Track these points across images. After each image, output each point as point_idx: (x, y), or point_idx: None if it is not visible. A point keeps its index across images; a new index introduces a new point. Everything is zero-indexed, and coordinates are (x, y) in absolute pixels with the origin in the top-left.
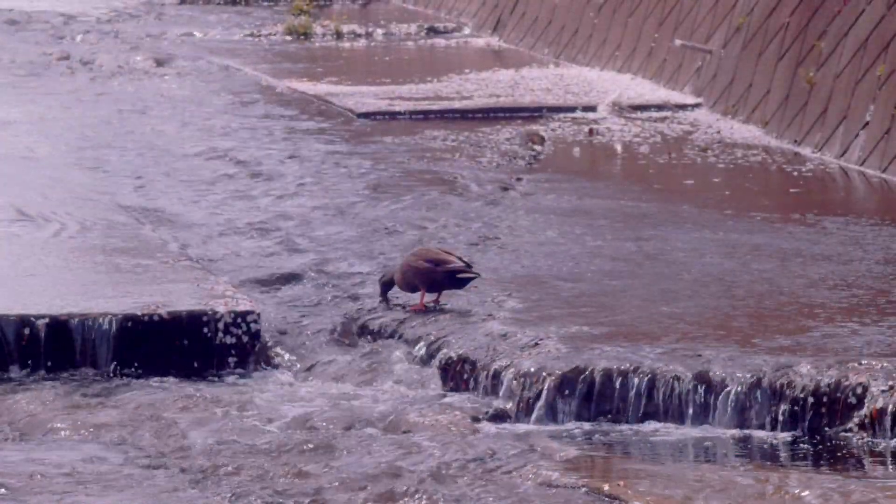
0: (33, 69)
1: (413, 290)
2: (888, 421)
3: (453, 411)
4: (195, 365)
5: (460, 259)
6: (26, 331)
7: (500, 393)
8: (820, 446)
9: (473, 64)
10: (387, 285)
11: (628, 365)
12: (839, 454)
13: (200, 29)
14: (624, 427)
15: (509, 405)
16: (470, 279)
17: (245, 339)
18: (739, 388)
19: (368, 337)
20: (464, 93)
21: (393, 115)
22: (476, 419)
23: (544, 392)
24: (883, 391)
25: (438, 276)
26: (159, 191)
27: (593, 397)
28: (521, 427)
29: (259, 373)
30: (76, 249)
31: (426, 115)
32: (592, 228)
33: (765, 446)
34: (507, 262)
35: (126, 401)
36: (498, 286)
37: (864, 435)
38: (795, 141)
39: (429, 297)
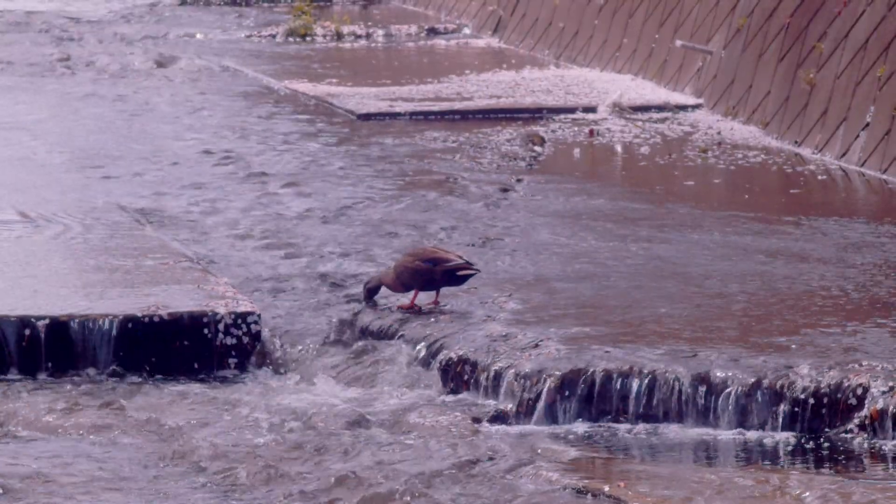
0: (34, 70)
1: (408, 290)
2: (888, 422)
3: (454, 412)
4: (195, 366)
5: (459, 257)
6: (27, 332)
7: (501, 394)
8: (820, 447)
9: (474, 65)
10: (372, 290)
11: (628, 366)
12: (839, 455)
13: (201, 30)
14: (624, 428)
15: (510, 406)
16: (469, 276)
17: (245, 339)
18: (739, 389)
19: (369, 337)
20: (464, 94)
21: (393, 116)
22: (476, 420)
23: (545, 393)
24: (883, 392)
25: (437, 276)
26: (160, 191)
27: (593, 398)
28: (522, 428)
29: (259, 373)
30: (77, 250)
31: (426, 116)
32: (592, 230)
33: (765, 447)
34: (508, 263)
35: (126, 402)
36: (498, 287)
37: (865, 436)
38: (796, 142)
39: (425, 298)
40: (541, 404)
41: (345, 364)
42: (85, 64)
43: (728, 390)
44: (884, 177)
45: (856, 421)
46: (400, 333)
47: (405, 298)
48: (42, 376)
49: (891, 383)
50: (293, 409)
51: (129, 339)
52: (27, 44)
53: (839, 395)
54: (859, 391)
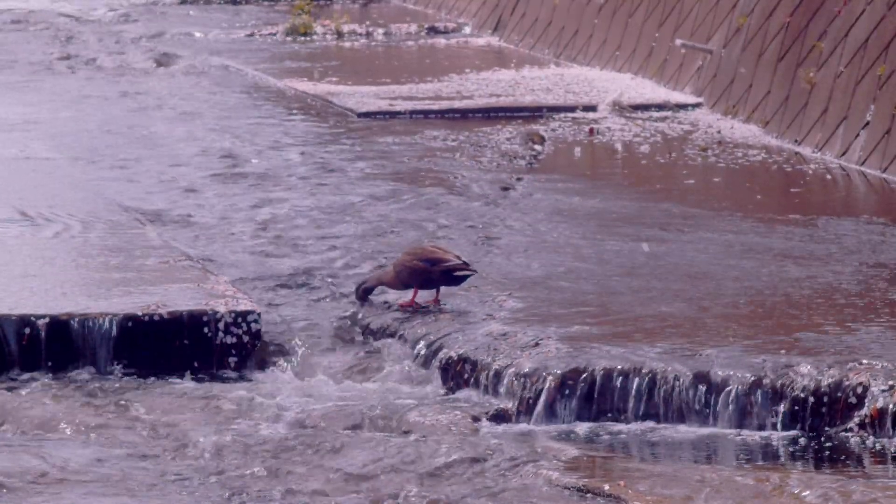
0: (34, 69)
1: (407, 288)
2: (888, 420)
3: (454, 411)
4: (195, 365)
5: (457, 257)
6: (27, 331)
7: (501, 393)
8: (820, 446)
9: (474, 64)
10: (367, 291)
11: (628, 365)
12: (839, 454)
13: (200, 29)
14: (624, 427)
15: (510, 405)
16: (466, 276)
17: (245, 338)
18: (740, 388)
19: (369, 336)
20: (464, 92)
21: (393, 115)
22: (476, 419)
23: (545, 392)
24: (883, 391)
25: (435, 275)
26: (159, 191)
27: (594, 397)
28: (522, 427)
29: (259, 372)
30: (77, 249)
31: (426, 115)
32: (593, 228)
33: (765, 446)
34: (508, 262)
35: (126, 401)
36: (498, 286)
37: (865, 434)
38: (796, 141)
39: (425, 296)
40: (541, 403)
41: (345, 363)
42: (85, 63)
43: (728, 389)
44: (884, 175)
45: (856, 420)
46: (400, 332)
47: (405, 297)
48: (42, 375)
49: (891, 382)
50: (293, 408)
51: (129, 337)
52: (27, 43)
53: (839, 394)
54: (859, 390)
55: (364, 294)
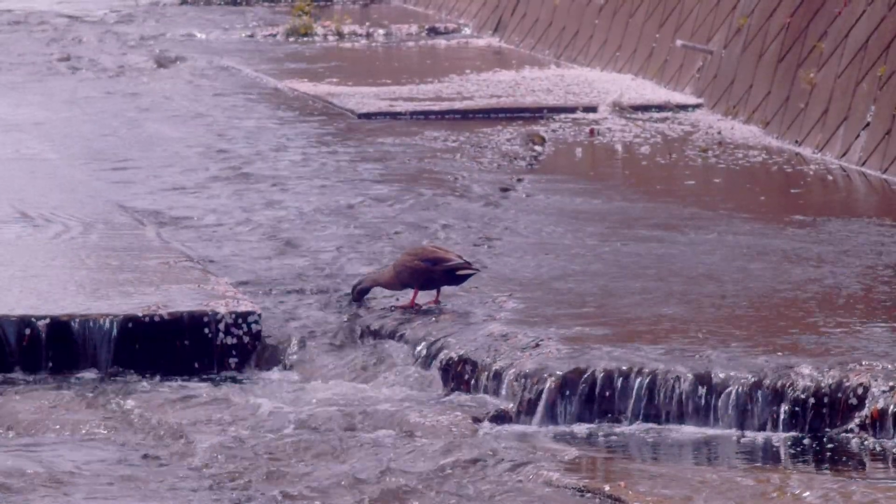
0: (34, 70)
1: (406, 288)
2: (889, 421)
3: (454, 412)
4: (196, 365)
5: (459, 256)
6: (27, 331)
7: (501, 394)
8: (821, 447)
9: (474, 65)
10: (363, 291)
11: (629, 365)
12: (840, 455)
13: (201, 29)
14: (625, 428)
15: (510, 406)
16: (468, 275)
17: (246, 339)
18: (740, 389)
19: (370, 337)
20: (464, 93)
21: (394, 116)
22: (477, 420)
23: (545, 393)
24: (884, 392)
25: (437, 275)
26: (160, 191)
27: (594, 398)
28: (522, 428)
29: (260, 373)
30: (77, 250)
31: (427, 116)
32: (593, 229)
33: (766, 447)
34: (508, 263)
35: (127, 402)
36: (499, 287)
37: (865, 435)
38: (796, 141)
39: (425, 297)
40: (541, 404)
41: (345, 363)
42: (85, 64)
43: (729, 390)
44: (884, 176)
45: (856, 420)
46: (400, 333)
47: (404, 298)
48: (43, 376)
49: (891, 383)
50: (293, 408)
51: (129, 338)
52: (27, 43)
53: (840, 395)
54: (860, 391)
55: (360, 295)
